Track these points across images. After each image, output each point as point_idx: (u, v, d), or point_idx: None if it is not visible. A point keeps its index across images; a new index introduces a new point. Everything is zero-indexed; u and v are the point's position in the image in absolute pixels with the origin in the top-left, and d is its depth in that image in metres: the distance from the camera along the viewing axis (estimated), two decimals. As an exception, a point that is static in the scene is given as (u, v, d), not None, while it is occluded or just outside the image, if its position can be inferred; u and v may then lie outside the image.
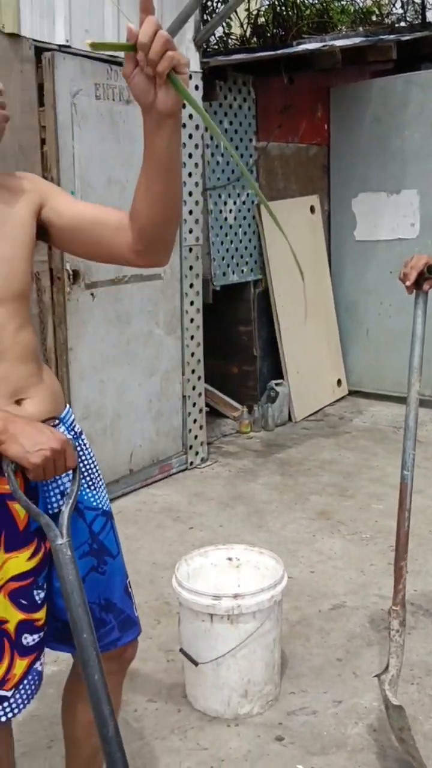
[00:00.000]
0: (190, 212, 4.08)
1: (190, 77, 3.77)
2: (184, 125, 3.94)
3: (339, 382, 5.51)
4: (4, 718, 1.42)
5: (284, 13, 6.81)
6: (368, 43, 4.74)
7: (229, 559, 2.47)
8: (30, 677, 1.45)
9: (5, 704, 1.42)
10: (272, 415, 4.92)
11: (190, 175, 4.03)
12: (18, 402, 1.40)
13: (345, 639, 2.61)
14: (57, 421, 1.46)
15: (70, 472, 1.42)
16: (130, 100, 3.64)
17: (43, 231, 1.49)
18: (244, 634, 2.17)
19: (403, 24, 6.48)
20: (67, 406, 1.54)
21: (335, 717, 2.22)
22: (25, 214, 1.44)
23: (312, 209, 5.30)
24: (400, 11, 6.92)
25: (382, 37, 5.04)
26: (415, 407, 2.11)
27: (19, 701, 1.44)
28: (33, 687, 1.46)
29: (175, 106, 1.19)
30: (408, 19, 6.64)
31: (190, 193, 4.05)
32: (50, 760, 2.06)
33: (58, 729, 2.13)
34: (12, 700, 1.43)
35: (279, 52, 4.38)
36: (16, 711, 1.43)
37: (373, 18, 7.16)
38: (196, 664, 2.20)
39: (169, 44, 1.13)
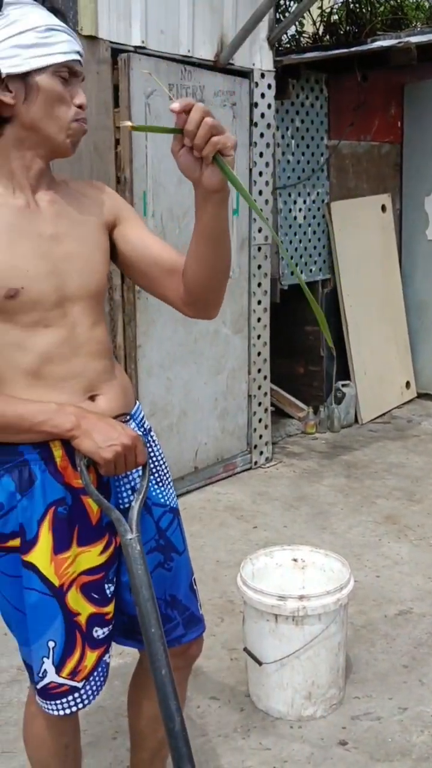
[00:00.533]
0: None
1: (263, 76, 3.75)
2: (255, 124, 3.94)
3: (408, 384, 5.41)
4: (75, 709, 1.45)
5: (358, 10, 6.72)
6: (445, 38, 4.62)
7: (295, 560, 2.45)
8: (99, 669, 1.47)
9: (76, 695, 1.45)
10: (338, 417, 4.87)
11: (260, 174, 4.02)
12: (92, 398, 1.42)
13: (411, 646, 2.56)
14: (128, 418, 1.48)
15: (140, 468, 1.45)
16: (203, 100, 3.66)
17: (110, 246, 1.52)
18: (309, 636, 2.15)
19: None
20: (137, 402, 1.56)
21: (400, 724, 2.18)
22: (101, 223, 1.47)
23: (383, 208, 5.22)
24: None
25: (459, 32, 4.91)
26: None
27: (90, 692, 1.47)
28: (101, 679, 1.49)
29: (221, 184, 1.24)
30: None
31: (260, 192, 4.05)
32: (115, 751, 2.09)
33: (123, 721, 2.16)
34: (83, 691, 1.46)
35: (352, 49, 4.32)
36: (86, 702, 1.46)
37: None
38: (260, 663, 2.20)
39: (215, 130, 1.18)
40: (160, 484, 1.55)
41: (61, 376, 1.38)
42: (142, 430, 1.52)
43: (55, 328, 1.37)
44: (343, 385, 4.96)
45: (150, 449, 1.53)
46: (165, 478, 1.56)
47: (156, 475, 1.54)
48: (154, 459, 1.55)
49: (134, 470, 1.46)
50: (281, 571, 2.44)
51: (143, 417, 1.56)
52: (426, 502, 3.75)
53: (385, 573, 3.06)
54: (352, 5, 6.66)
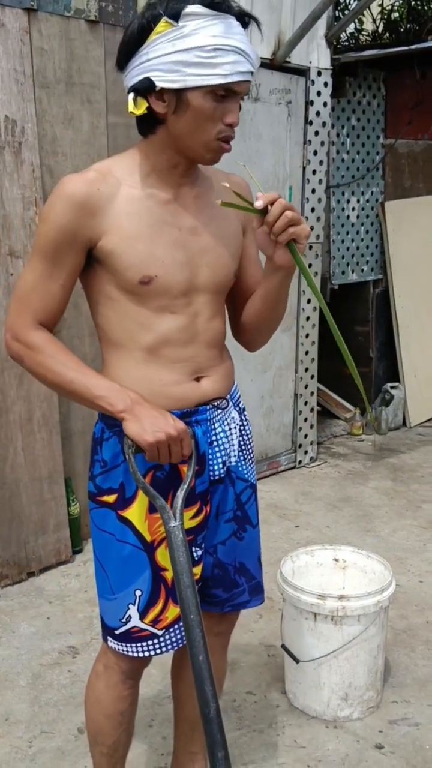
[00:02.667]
0: (312, 210, 4.04)
1: (319, 74, 3.72)
2: (310, 122, 3.92)
3: (458, 388, 5.31)
4: (152, 653, 1.56)
5: (419, 7, 6.62)
6: None
7: (336, 560, 2.44)
8: (178, 625, 1.55)
9: (155, 641, 1.55)
10: (386, 419, 4.81)
11: (314, 172, 4.00)
12: (197, 379, 1.52)
13: (452, 653, 2.52)
14: (225, 403, 1.57)
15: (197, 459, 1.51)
16: (258, 98, 3.65)
17: None
18: (347, 637, 2.14)
19: None
20: (235, 383, 1.65)
21: (438, 732, 2.15)
22: (238, 222, 1.56)
23: (439, 209, 5.13)
24: None
25: None
26: None
27: (168, 642, 1.56)
28: (180, 636, 1.56)
29: (289, 264, 1.41)
30: None
31: (313, 191, 4.02)
32: (150, 738, 2.11)
33: (160, 709, 2.19)
34: (161, 639, 1.55)
35: (411, 47, 4.26)
36: (164, 649, 1.56)
37: None
38: (297, 661, 2.19)
39: (292, 221, 1.32)
40: (247, 460, 1.66)
41: (174, 358, 1.48)
42: (237, 408, 1.63)
43: (178, 315, 1.47)
44: (391, 387, 4.90)
45: (242, 428, 1.64)
46: (250, 456, 1.67)
47: (246, 452, 1.65)
48: (245, 438, 1.65)
49: (228, 445, 1.58)
50: (322, 571, 2.43)
51: (239, 397, 1.67)
52: (473, 509, 3.68)
53: (428, 578, 3.02)
54: (413, 2, 6.57)
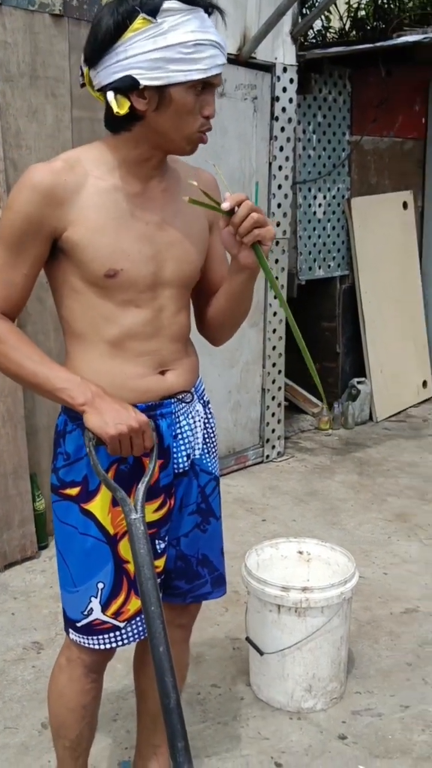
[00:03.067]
0: (279, 205, 4.06)
1: (285, 70, 3.75)
2: (276, 118, 3.93)
3: (424, 383, 5.38)
4: (114, 645, 1.56)
5: (386, 5, 6.67)
6: (472, 34, 4.58)
7: (300, 552, 2.46)
8: (140, 617, 1.56)
9: (117, 633, 1.55)
10: (353, 413, 4.85)
11: (280, 168, 4.02)
12: (162, 372, 1.52)
13: (416, 644, 2.55)
14: (190, 397, 1.58)
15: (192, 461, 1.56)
16: (224, 94, 3.66)
17: None
18: (311, 628, 2.16)
19: None
20: (200, 376, 1.65)
21: (401, 722, 2.18)
22: (205, 218, 1.56)
23: (404, 205, 5.19)
24: None
25: None
26: None
27: (129, 634, 1.57)
28: (142, 628, 1.57)
29: (254, 265, 1.41)
30: None
31: (280, 186, 4.04)
32: (114, 732, 2.11)
33: (125, 704, 2.19)
34: (123, 631, 1.56)
35: (376, 44, 4.29)
36: (125, 641, 1.57)
37: None
38: (261, 653, 2.20)
39: (258, 223, 1.33)
40: (211, 453, 1.67)
41: (138, 352, 1.48)
42: (202, 402, 1.64)
43: (143, 309, 1.47)
44: (358, 382, 4.94)
45: (207, 421, 1.65)
46: (214, 448, 1.69)
47: (209, 445, 1.66)
48: (209, 431, 1.66)
49: (192, 438, 1.59)
50: (286, 563, 2.44)
51: (203, 390, 1.67)
52: (437, 502, 3.73)
53: (393, 571, 3.05)
54: (380, 1, 6.62)
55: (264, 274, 1.38)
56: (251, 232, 1.33)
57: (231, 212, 1.33)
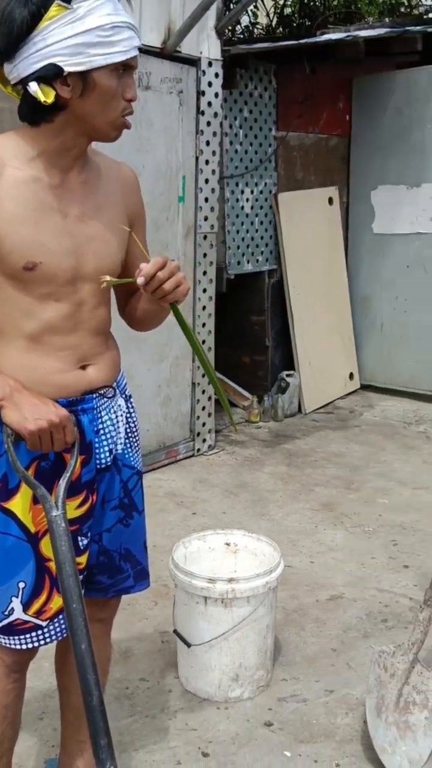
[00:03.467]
0: (206, 200, 4.07)
1: (210, 64, 3.76)
2: (202, 112, 3.94)
3: (351, 375, 5.50)
4: (37, 644, 1.55)
5: (311, 3, 6.77)
6: (393, 34, 4.69)
7: (227, 544, 2.48)
8: (63, 615, 1.53)
9: (39, 632, 1.54)
10: (282, 406, 4.92)
11: (207, 162, 4.03)
12: (83, 367, 1.52)
13: (340, 630, 2.61)
14: (112, 391, 1.58)
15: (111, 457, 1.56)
16: (149, 87, 3.64)
17: None
18: (237, 618, 2.18)
19: (431, 15, 6.41)
20: (121, 371, 1.65)
21: (325, 706, 2.23)
22: (125, 213, 1.56)
23: (330, 201, 5.28)
24: (429, 3, 6.85)
25: (407, 28, 4.99)
26: None
27: (52, 633, 1.56)
28: (64, 626, 1.55)
29: (169, 310, 1.48)
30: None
31: (207, 181, 4.05)
32: (41, 731, 2.09)
33: (51, 702, 2.17)
34: (45, 630, 1.54)
35: (300, 41, 4.35)
36: (48, 640, 1.56)
37: (402, 9, 7.09)
38: (188, 645, 2.22)
39: (174, 284, 1.39)
40: (133, 447, 1.67)
41: (58, 346, 1.47)
42: (124, 396, 1.64)
43: (63, 303, 1.46)
44: (287, 375, 5.01)
45: (129, 415, 1.66)
46: (136, 443, 1.69)
47: (132, 439, 1.67)
48: (131, 424, 1.67)
49: (115, 433, 1.59)
50: (214, 555, 2.46)
51: (125, 384, 1.67)
52: (363, 491, 3.82)
53: (319, 559, 3.12)
54: (305, -2, 6.71)
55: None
56: (166, 297, 1.40)
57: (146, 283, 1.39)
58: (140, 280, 1.36)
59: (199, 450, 4.32)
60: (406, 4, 7.02)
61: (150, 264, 1.36)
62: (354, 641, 2.54)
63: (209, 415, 4.37)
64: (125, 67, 1.38)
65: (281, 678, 2.36)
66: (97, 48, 1.32)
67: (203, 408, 4.32)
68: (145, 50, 3.59)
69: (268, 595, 2.23)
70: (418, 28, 4.92)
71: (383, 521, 3.46)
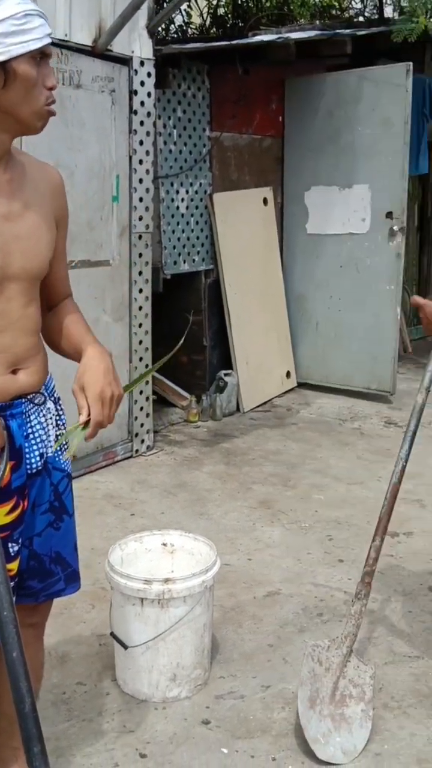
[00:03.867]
0: (140, 200, 4.06)
1: (142, 64, 3.72)
2: (135, 112, 3.93)
3: (288, 373, 5.56)
4: None
5: (244, 4, 6.82)
6: (323, 37, 4.77)
7: (164, 544, 2.49)
8: None
9: None
10: (220, 405, 4.94)
11: (141, 162, 4.02)
12: (14, 371, 1.51)
13: (277, 625, 2.65)
14: (42, 397, 1.58)
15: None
16: (80, 85, 3.61)
17: None
18: (174, 618, 2.19)
19: (361, 19, 6.54)
20: (49, 374, 1.64)
21: (262, 702, 2.25)
22: (52, 213, 1.56)
23: (265, 201, 5.33)
24: (359, 6, 6.99)
25: (337, 31, 5.08)
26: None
27: None
28: None
29: None
30: (366, 14, 6.70)
31: (141, 180, 4.04)
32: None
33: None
34: None
35: (233, 42, 4.38)
36: None
37: (333, 12, 7.21)
38: (125, 647, 2.22)
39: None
40: (63, 450, 1.66)
41: None
42: (53, 398, 1.64)
43: None
44: (225, 375, 5.04)
45: (58, 418, 1.66)
46: (66, 445, 1.67)
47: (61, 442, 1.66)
48: (62, 427, 1.67)
49: (46, 437, 1.59)
50: (150, 556, 2.47)
51: (54, 387, 1.67)
52: (300, 488, 3.87)
53: (256, 556, 3.15)
54: (238, -1, 6.76)
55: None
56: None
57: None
58: (82, 417, 1.44)
59: (137, 451, 4.31)
60: (337, 6, 7.14)
61: (94, 413, 1.44)
62: (290, 636, 2.58)
63: (147, 415, 4.36)
64: (42, 55, 1.39)
65: (219, 676, 2.37)
66: (13, 37, 1.33)
67: (141, 409, 4.31)
68: (76, 48, 3.57)
69: (204, 594, 2.25)
70: (348, 31, 5.02)
71: (319, 517, 3.52)
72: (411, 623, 2.64)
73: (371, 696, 2.06)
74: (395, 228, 5.01)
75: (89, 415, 1.45)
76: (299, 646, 2.49)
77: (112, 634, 2.29)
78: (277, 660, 2.45)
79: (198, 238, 4.88)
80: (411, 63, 4.82)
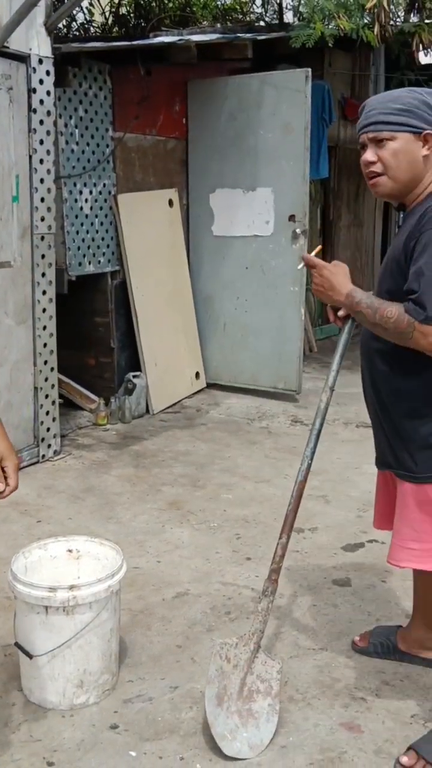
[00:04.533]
0: (42, 200, 3.99)
1: (41, 62, 3.69)
2: (34, 110, 3.86)
3: (197, 374, 5.59)
4: None
5: (146, 4, 6.80)
6: (224, 40, 4.82)
7: (69, 551, 2.46)
8: None
9: None
10: (129, 407, 4.92)
11: (41, 161, 3.95)
12: None
13: (186, 626, 2.66)
14: None
15: None
16: (-24, 81, 3.52)
17: None
18: (80, 625, 2.17)
19: (262, 23, 6.64)
20: None
21: (171, 702, 2.26)
22: None
23: (170, 203, 5.34)
24: (260, 11, 7.10)
25: (238, 35, 5.14)
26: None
27: None
28: None
29: None
30: (267, 18, 6.81)
31: (42, 180, 3.97)
32: None
33: None
34: None
35: (134, 43, 4.36)
36: None
37: (235, 15, 7.29)
38: (30, 657, 2.17)
39: None
40: None
41: None
42: None
43: None
44: (134, 376, 5.02)
45: None
46: None
47: None
48: None
49: None
50: (56, 563, 2.43)
51: None
52: (209, 488, 3.90)
53: (165, 558, 3.15)
54: (141, -1, 6.74)
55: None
56: None
57: None
58: None
59: (44, 456, 4.23)
60: (239, 10, 7.23)
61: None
62: (198, 636, 2.60)
63: (54, 419, 4.29)
64: None
65: (127, 679, 2.36)
66: None
67: (47, 413, 4.24)
68: (-30, 44, 3.48)
69: (111, 599, 2.23)
70: (249, 35, 5.09)
71: (227, 516, 3.56)
72: (315, 616, 2.70)
73: (278, 690, 2.10)
74: (298, 231, 5.12)
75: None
76: (207, 646, 2.51)
77: (16, 644, 2.24)
78: (186, 660, 2.46)
79: (103, 239, 4.84)
80: (310, 69, 4.93)
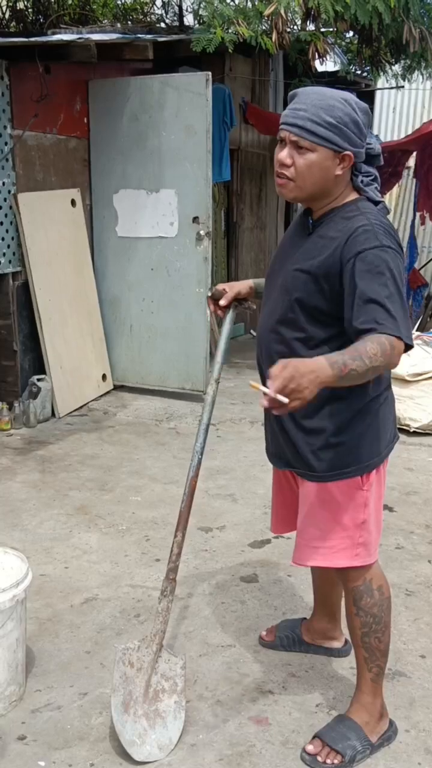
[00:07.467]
0: None
1: None
2: None
3: (104, 376, 5.54)
4: None
5: (46, 0, 6.68)
6: (124, 40, 4.79)
7: (-28, 561, 2.39)
8: None
9: None
10: (34, 411, 4.82)
11: None
12: None
13: (95, 631, 2.64)
14: None
15: None
16: None
17: None
18: (-17, 637, 2.12)
19: (162, 25, 6.65)
20: None
21: (80, 709, 2.24)
22: None
23: (73, 203, 5.27)
24: (161, 12, 7.10)
25: (138, 35, 5.13)
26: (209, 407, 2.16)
27: None
28: None
29: None
30: (167, 20, 6.82)
31: None
32: None
33: None
34: None
35: (32, 39, 4.28)
36: None
37: (135, 16, 7.26)
38: None
39: None
40: None
41: None
42: None
43: None
44: (38, 380, 4.92)
45: None
46: None
47: None
48: None
49: None
50: (-43, 575, 2.36)
51: None
52: (117, 491, 3.88)
53: (73, 563, 3.11)
54: (39, -5, 6.61)
55: None
56: None
57: None
58: None
59: None
60: (139, 10, 7.21)
61: None
62: (107, 640, 2.58)
63: None
64: None
65: (35, 689, 2.32)
66: None
67: None
68: None
69: (16, 609, 2.19)
70: (149, 36, 5.08)
71: (136, 518, 3.55)
72: (224, 614, 2.74)
73: (183, 686, 2.12)
74: (201, 233, 5.16)
75: None
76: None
77: None
78: (95, 666, 2.45)
79: (3, 239, 4.73)
80: (210, 73, 4.98)
